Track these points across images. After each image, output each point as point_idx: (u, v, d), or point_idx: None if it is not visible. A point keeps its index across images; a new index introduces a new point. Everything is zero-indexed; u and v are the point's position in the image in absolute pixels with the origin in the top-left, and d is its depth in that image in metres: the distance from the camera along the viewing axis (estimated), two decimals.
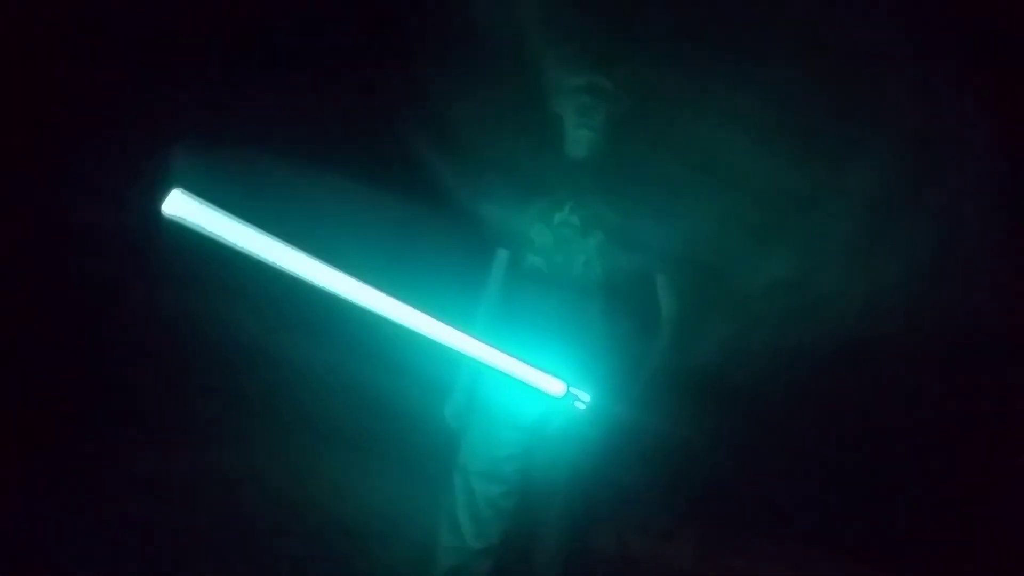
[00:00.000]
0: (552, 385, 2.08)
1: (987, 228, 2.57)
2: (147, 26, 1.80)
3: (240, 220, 1.68)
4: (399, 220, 2.61)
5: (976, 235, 2.58)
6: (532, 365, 2.08)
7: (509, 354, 2.06)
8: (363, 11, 2.65)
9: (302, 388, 2.93)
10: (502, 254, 2.28)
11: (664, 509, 2.98)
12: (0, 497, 2.54)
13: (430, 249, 2.52)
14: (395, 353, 2.10)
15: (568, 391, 2.09)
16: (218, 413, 3.02)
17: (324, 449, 3.03)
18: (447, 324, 1.94)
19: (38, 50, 1.64)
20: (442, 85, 2.65)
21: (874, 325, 2.67)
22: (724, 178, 2.43)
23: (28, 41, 1.61)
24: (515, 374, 2.06)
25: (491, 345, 2.04)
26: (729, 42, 2.52)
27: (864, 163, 2.61)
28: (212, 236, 1.66)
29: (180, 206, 1.63)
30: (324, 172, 2.52)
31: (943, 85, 2.52)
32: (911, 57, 2.49)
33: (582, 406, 2.12)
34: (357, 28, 2.67)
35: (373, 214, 2.58)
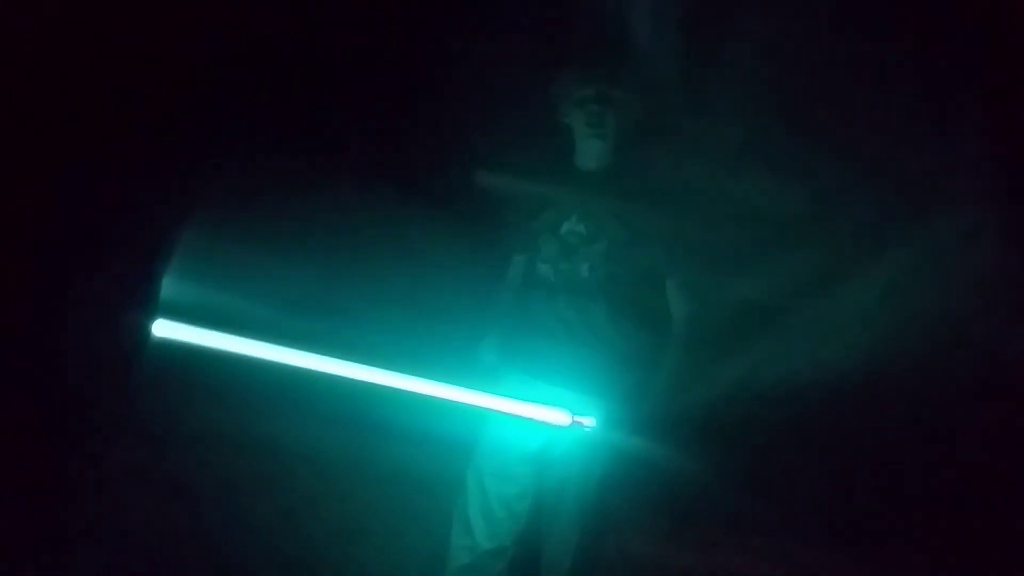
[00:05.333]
0: (556, 416, 2.12)
1: (1001, 250, 2.58)
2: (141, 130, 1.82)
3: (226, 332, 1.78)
4: (409, 230, 2.63)
5: (986, 258, 2.59)
6: (533, 401, 2.12)
7: (509, 395, 2.12)
8: (370, 27, 2.66)
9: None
10: (518, 260, 2.28)
11: (664, 509, 2.99)
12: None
13: (441, 259, 2.54)
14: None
15: (573, 421, 2.11)
16: (219, 415, 3.01)
17: (328, 450, 3.02)
18: (443, 383, 2.03)
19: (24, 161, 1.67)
20: (452, 98, 2.66)
21: (879, 337, 2.68)
22: (734, 186, 2.44)
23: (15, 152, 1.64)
24: (517, 413, 2.11)
25: (490, 391, 2.10)
26: (738, 48, 2.52)
27: (879, 175, 2.62)
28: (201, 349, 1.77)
29: (167, 330, 1.82)
30: (330, 185, 2.53)
31: (959, 110, 2.52)
32: (926, 77, 2.50)
33: (588, 430, 2.13)
34: (366, 44, 2.68)
35: (380, 226, 2.60)
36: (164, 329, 1.83)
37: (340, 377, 1.97)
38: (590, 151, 2.26)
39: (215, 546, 2.56)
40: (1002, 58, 2.47)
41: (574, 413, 2.13)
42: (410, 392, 2.03)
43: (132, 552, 2.42)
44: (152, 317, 1.79)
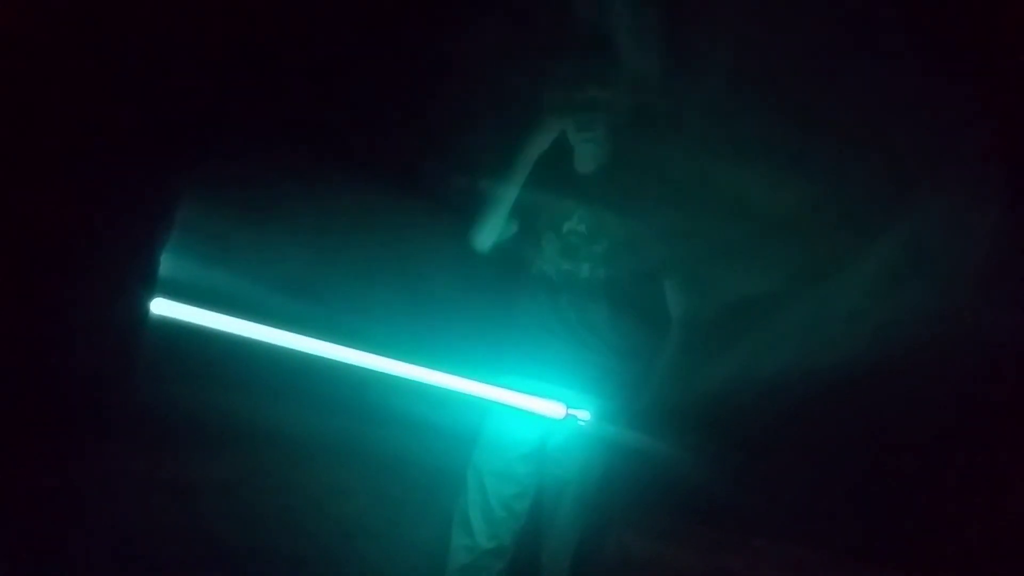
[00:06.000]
0: (552, 409, 2.13)
1: (996, 244, 2.59)
2: (142, 113, 1.85)
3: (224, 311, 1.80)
4: (408, 233, 2.65)
5: (983, 252, 2.59)
6: (530, 392, 2.13)
7: (506, 385, 2.13)
8: (368, 36, 2.68)
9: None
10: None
11: (664, 509, 2.99)
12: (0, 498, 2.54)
13: (440, 261, 2.56)
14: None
15: (568, 414, 2.13)
16: (218, 416, 3.02)
17: (328, 450, 3.03)
18: (443, 370, 2.05)
19: (28, 136, 1.69)
20: (449, 98, 2.67)
21: (878, 336, 2.68)
22: (731, 186, 2.45)
23: (20, 126, 1.66)
24: (514, 404, 2.12)
25: (488, 380, 2.11)
26: (730, 42, 2.53)
27: (875, 175, 2.63)
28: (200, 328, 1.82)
29: (166, 309, 1.83)
30: (329, 186, 2.55)
31: (955, 100, 2.53)
32: (919, 70, 2.50)
33: (583, 424, 2.15)
34: (362, 53, 2.70)
35: (380, 230, 2.62)
36: (163, 308, 1.83)
37: (338, 363, 1.98)
38: (585, 155, 2.25)
39: (214, 543, 2.57)
40: (1001, 50, 2.48)
41: (571, 408, 2.14)
42: (410, 380, 2.04)
43: (133, 550, 2.43)
44: (151, 296, 1.80)
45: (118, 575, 2.34)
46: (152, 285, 1.81)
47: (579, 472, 2.20)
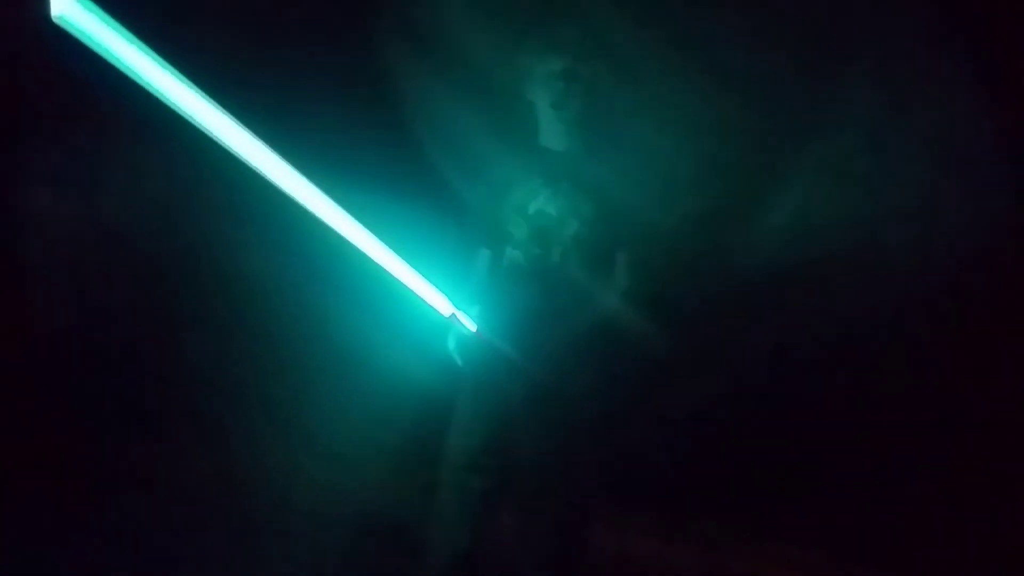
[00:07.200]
0: (440, 304, 2.14)
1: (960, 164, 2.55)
2: None
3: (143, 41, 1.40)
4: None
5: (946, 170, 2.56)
6: (426, 281, 2.12)
7: (408, 267, 2.09)
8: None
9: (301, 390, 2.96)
10: (483, 255, 2.19)
11: (664, 509, 2.99)
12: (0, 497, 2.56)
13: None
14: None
15: (453, 314, 2.14)
16: (217, 415, 3.04)
17: (324, 451, 3.04)
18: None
19: None
20: (415, 74, 2.64)
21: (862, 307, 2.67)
22: (697, 159, 2.41)
23: None
24: (408, 286, 2.10)
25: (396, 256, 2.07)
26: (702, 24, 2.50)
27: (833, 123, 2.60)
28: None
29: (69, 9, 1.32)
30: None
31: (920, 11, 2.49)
32: None
33: (464, 329, 2.15)
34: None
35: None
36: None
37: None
38: (556, 132, 2.13)
39: (214, 543, 2.58)
40: None
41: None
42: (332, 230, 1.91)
43: (133, 548, 2.44)
44: None
45: (117, 574, 2.35)
46: None
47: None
